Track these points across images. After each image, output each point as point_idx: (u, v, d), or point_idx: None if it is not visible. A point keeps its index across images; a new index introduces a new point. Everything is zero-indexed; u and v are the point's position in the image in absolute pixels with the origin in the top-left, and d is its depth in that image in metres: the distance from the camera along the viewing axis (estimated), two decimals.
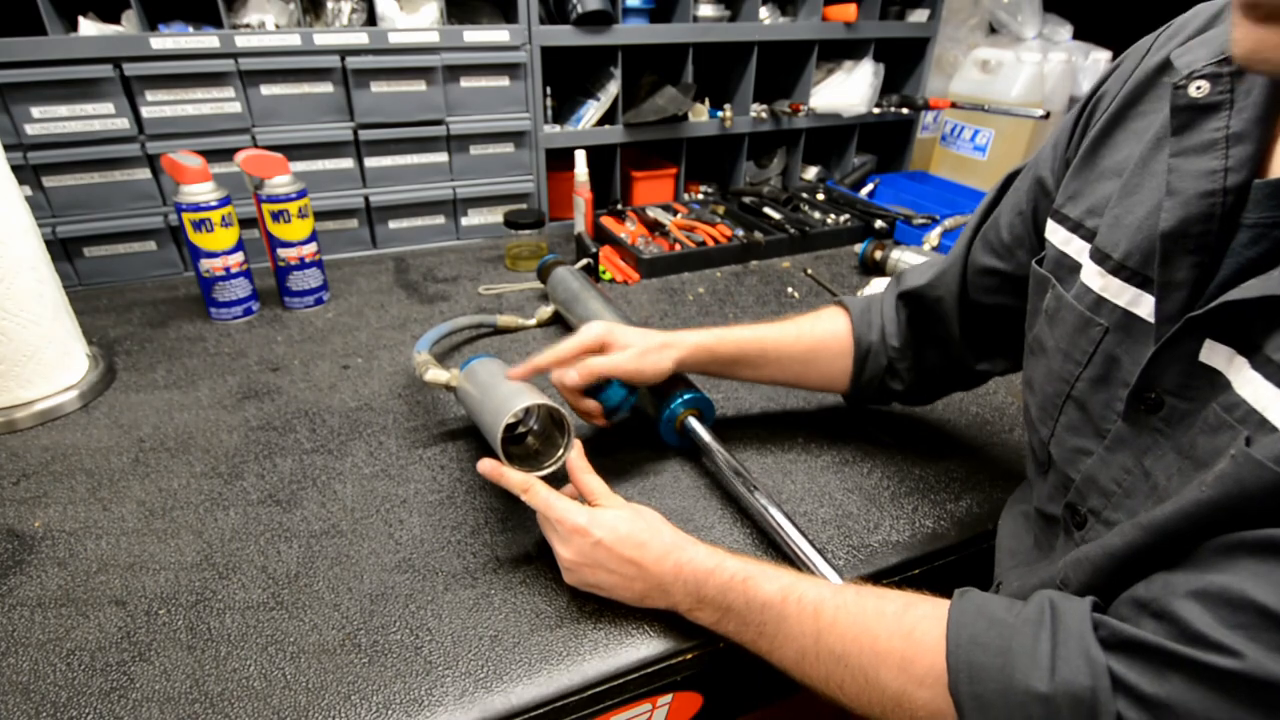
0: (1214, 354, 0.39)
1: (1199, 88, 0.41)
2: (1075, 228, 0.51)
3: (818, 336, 0.75)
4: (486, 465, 0.63)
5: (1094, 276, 0.48)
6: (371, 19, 1.21)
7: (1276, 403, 0.34)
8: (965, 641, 0.41)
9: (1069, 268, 0.52)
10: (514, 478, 0.61)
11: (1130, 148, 0.48)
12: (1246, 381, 0.36)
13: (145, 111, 1.10)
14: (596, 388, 0.74)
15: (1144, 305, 0.44)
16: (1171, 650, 0.34)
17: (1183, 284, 0.41)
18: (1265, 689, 0.32)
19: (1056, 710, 0.37)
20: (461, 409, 0.87)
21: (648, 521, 0.58)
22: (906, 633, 0.44)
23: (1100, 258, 0.48)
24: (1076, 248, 0.51)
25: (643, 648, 0.57)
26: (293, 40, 1.14)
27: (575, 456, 0.63)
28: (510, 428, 0.64)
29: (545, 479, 0.61)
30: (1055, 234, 0.54)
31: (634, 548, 0.55)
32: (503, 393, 0.67)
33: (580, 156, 1.32)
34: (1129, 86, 0.50)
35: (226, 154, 1.12)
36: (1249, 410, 0.36)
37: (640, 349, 0.71)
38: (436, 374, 0.77)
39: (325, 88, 1.19)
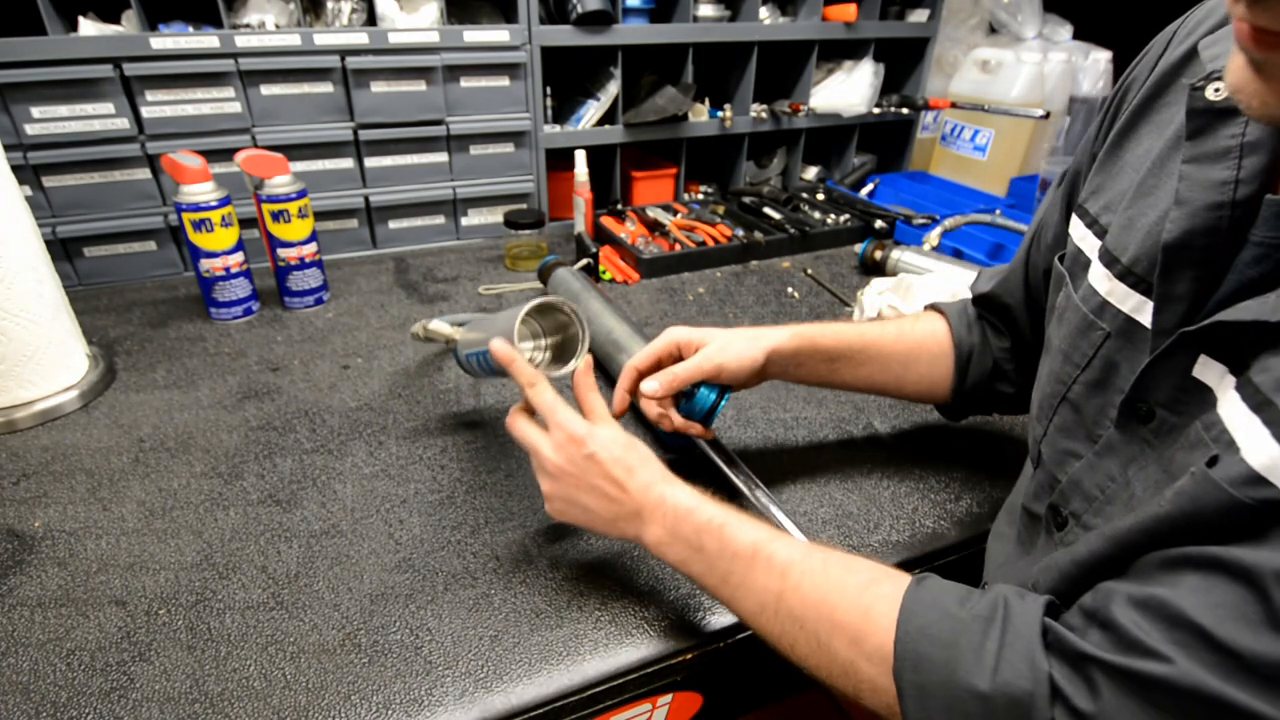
0: (1207, 370, 0.38)
1: (1217, 90, 0.39)
2: (1091, 223, 0.50)
3: (917, 337, 0.71)
4: (499, 344, 0.59)
5: (1101, 279, 0.48)
6: (371, 19, 1.21)
7: (1246, 425, 0.34)
8: (914, 631, 0.42)
9: (1082, 264, 0.51)
10: (525, 368, 0.59)
11: (1151, 141, 0.47)
12: (1228, 401, 0.36)
13: (145, 111, 1.10)
14: (684, 396, 0.68)
15: (1147, 313, 0.43)
16: (1106, 661, 0.35)
17: (1182, 297, 0.40)
18: (1191, 699, 0.32)
19: (993, 710, 0.37)
20: (460, 405, 0.87)
21: (640, 451, 0.57)
22: (864, 609, 0.44)
23: (1109, 260, 0.47)
24: (1090, 244, 0.50)
25: (643, 648, 0.57)
26: (293, 40, 1.14)
27: (582, 373, 0.61)
28: (539, 311, 0.62)
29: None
30: (1075, 228, 0.53)
31: (623, 469, 0.55)
32: (512, 309, 0.65)
33: (580, 156, 1.32)
34: (1155, 76, 0.48)
35: (226, 154, 1.12)
36: (1222, 430, 0.35)
37: (722, 342, 0.67)
38: (439, 325, 0.75)
39: (325, 88, 1.19)
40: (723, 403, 0.68)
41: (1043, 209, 0.63)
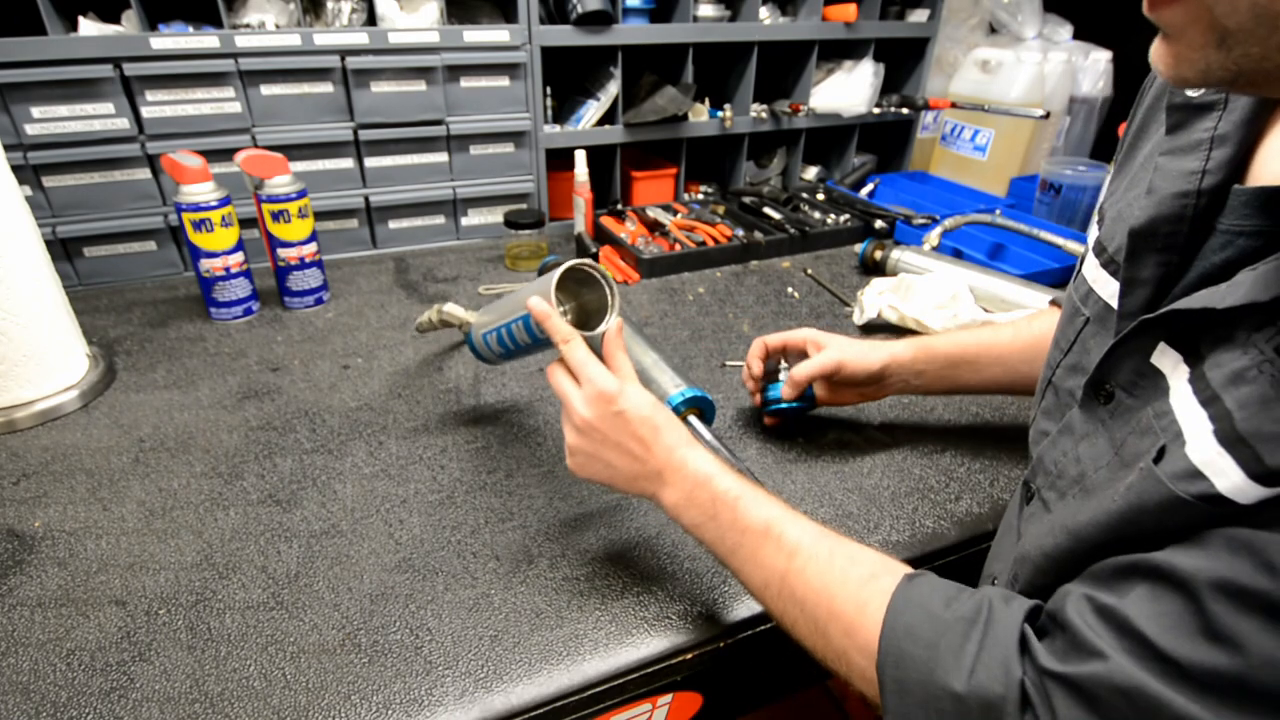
0: (1164, 357, 0.39)
1: None
2: (1100, 220, 0.53)
3: (1035, 333, 0.72)
4: (537, 302, 0.61)
5: (1091, 268, 0.50)
6: (371, 19, 1.21)
7: (1194, 418, 0.35)
8: (900, 629, 0.43)
9: (1083, 258, 0.53)
10: (560, 325, 0.60)
11: (1153, 142, 0.49)
12: (1179, 393, 0.37)
13: (145, 111, 1.10)
14: (770, 379, 0.78)
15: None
16: (1056, 673, 0.36)
17: (1146, 282, 0.41)
18: (1133, 701, 0.33)
19: (967, 710, 0.38)
20: (460, 405, 0.87)
21: (666, 414, 0.58)
22: (860, 603, 0.45)
23: (1099, 250, 0.49)
24: (1094, 238, 0.52)
25: (643, 648, 0.57)
26: (293, 40, 1.14)
27: (613, 333, 0.61)
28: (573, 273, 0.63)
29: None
30: (1091, 227, 0.55)
31: (650, 429, 0.56)
32: (542, 278, 0.65)
33: (580, 156, 1.32)
34: (1161, 80, 0.50)
35: (226, 154, 1.12)
36: (1172, 420, 0.36)
37: (843, 344, 0.71)
38: (453, 309, 0.75)
39: (325, 88, 1.19)
40: (791, 407, 0.78)
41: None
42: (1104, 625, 0.35)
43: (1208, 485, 0.32)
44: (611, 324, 0.62)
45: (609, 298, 0.65)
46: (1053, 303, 0.77)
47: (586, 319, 0.67)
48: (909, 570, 0.47)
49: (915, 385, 0.74)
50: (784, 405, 0.78)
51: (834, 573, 0.47)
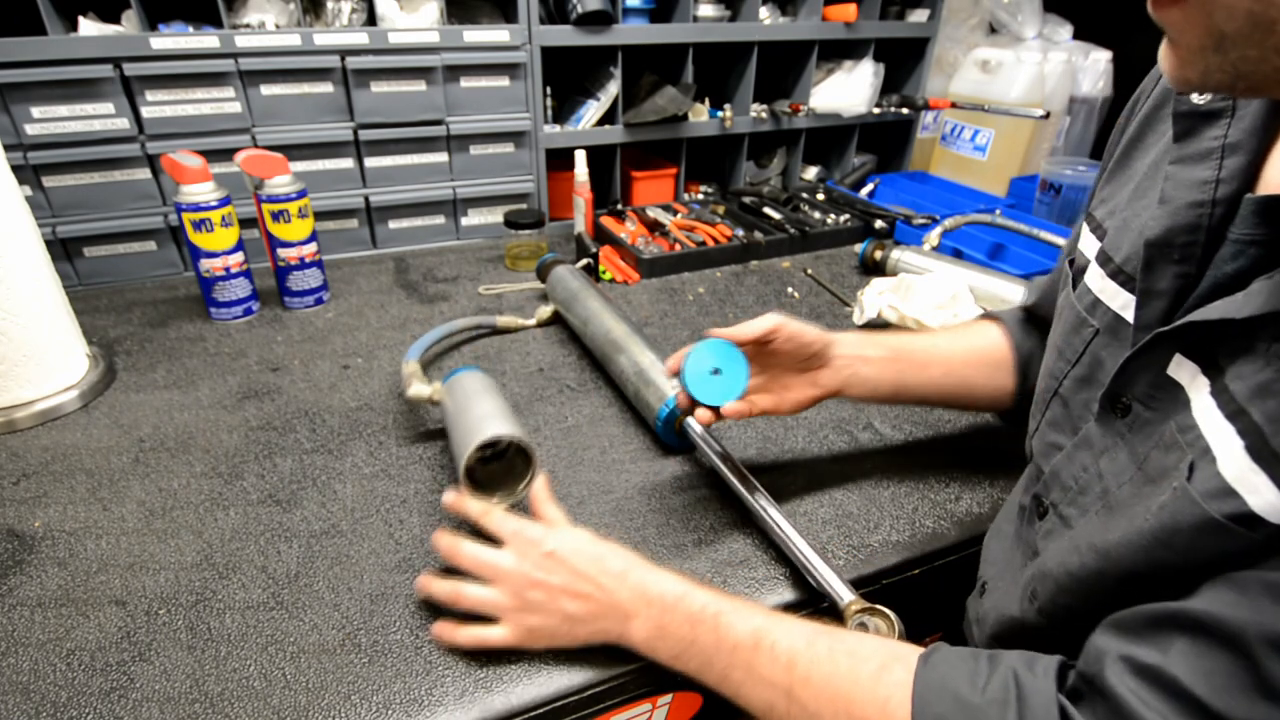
0: (1181, 369, 0.39)
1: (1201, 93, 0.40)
2: (1096, 228, 0.52)
3: (974, 342, 0.71)
4: (449, 498, 0.61)
5: (1096, 278, 0.49)
6: (371, 19, 1.21)
7: (1220, 433, 0.34)
8: None
9: (1081, 267, 0.52)
10: (473, 508, 0.60)
11: (1157, 150, 0.48)
12: (1202, 406, 0.36)
13: (145, 111, 1.10)
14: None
15: (1132, 311, 0.44)
16: None
17: (1163, 293, 0.41)
18: None
19: None
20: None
21: (608, 545, 0.55)
22: (881, 701, 0.42)
23: (1104, 260, 0.48)
24: (1091, 247, 0.52)
25: None
26: (293, 40, 1.14)
27: (539, 487, 0.62)
28: (486, 445, 0.65)
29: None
30: (1084, 234, 0.54)
31: (589, 560, 0.53)
32: (475, 416, 0.67)
33: (580, 156, 1.32)
34: (1160, 86, 0.49)
35: (226, 154, 1.12)
36: (1198, 435, 0.36)
37: (787, 320, 0.64)
38: (419, 389, 0.77)
39: (325, 88, 1.19)
40: (699, 385, 0.63)
41: (1077, 224, 0.64)
42: (1149, 690, 0.34)
43: (1240, 503, 0.32)
44: (535, 485, 0.63)
45: (530, 462, 0.67)
46: (986, 315, 0.75)
47: (530, 459, 0.68)
48: (916, 650, 0.45)
49: (864, 375, 0.68)
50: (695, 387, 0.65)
51: (841, 675, 0.44)
